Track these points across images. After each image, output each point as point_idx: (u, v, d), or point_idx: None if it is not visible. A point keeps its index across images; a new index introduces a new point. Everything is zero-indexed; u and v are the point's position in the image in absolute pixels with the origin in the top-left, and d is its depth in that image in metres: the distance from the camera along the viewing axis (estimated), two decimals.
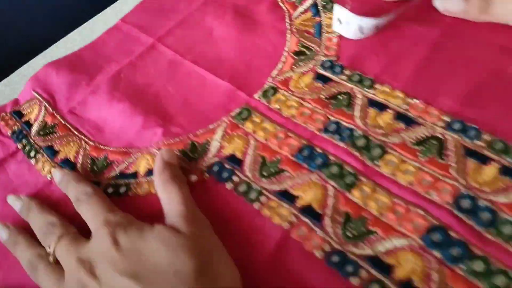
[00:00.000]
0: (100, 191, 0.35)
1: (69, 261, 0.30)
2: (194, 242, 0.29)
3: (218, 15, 0.49)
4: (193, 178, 0.36)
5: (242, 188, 0.35)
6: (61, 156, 0.41)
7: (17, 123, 0.45)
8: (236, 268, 0.30)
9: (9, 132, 0.44)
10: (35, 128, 0.44)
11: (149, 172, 0.37)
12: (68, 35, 0.54)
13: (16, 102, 0.48)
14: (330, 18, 0.45)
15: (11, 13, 0.65)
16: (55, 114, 0.45)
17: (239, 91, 0.41)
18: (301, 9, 0.47)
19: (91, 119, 0.44)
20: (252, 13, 0.48)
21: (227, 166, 0.36)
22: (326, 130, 0.36)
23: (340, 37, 0.43)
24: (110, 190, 0.38)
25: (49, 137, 0.43)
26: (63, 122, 0.44)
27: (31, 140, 0.43)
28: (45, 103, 0.46)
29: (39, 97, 0.47)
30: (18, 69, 0.52)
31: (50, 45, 0.54)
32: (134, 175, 0.38)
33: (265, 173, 0.35)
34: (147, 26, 0.51)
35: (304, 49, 0.43)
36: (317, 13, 0.46)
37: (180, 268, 0.27)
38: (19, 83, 0.50)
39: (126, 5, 0.55)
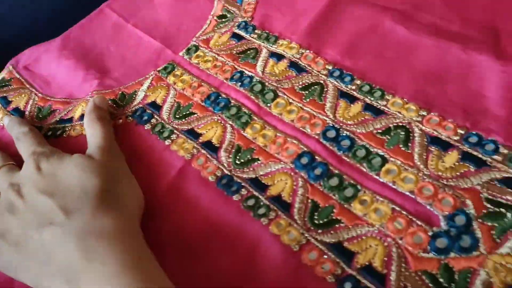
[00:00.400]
0: (35, 130, 0.40)
1: (3, 185, 0.35)
2: (103, 166, 0.34)
3: None
4: (119, 121, 0.41)
5: (158, 128, 0.39)
6: (13, 105, 0.46)
7: None
8: (141, 191, 0.35)
9: None
10: None
11: (83, 117, 0.42)
12: None
13: None
14: None
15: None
16: (13, 70, 0.50)
17: (167, 49, 0.46)
18: None
19: (42, 74, 0.49)
20: None
21: (148, 111, 0.41)
22: (232, 78, 0.41)
23: (257, 1, 0.47)
24: (49, 133, 0.43)
25: (4, 89, 0.48)
26: (17, 76, 0.49)
27: None
28: (11, 66, 0.51)
29: (10, 66, 0.51)
30: None
31: None
32: (70, 120, 0.43)
33: (177, 116, 0.40)
34: None
35: (226, 13, 0.48)
36: None
37: (87, 185, 0.32)
38: None
39: None
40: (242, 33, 0.45)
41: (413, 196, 0.30)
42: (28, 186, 0.33)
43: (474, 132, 0.32)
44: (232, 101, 0.39)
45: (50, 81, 0.48)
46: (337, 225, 0.30)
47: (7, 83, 0.48)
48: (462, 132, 0.32)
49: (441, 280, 0.27)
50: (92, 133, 0.38)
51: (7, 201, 0.34)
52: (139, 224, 0.33)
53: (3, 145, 0.43)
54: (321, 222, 0.31)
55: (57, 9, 0.66)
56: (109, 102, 0.43)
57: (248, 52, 0.43)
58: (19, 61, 0.51)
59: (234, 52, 0.43)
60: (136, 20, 0.51)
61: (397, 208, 0.30)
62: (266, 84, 0.39)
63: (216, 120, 0.38)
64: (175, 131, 0.39)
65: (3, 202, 0.34)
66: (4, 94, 0.47)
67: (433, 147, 0.32)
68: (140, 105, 0.42)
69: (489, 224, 0.28)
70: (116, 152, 0.37)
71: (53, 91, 0.47)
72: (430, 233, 0.28)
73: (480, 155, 0.31)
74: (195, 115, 0.39)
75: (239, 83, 0.40)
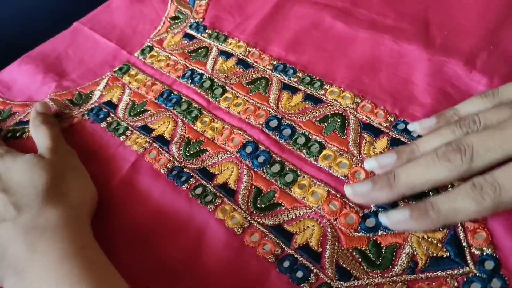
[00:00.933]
0: None
1: None
2: (52, 164, 0.35)
3: None
4: (75, 120, 0.42)
5: (113, 125, 0.40)
6: None
7: None
8: (93, 185, 0.35)
9: None
10: None
11: None
12: None
13: None
14: None
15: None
16: None
17: (123, 50, 0.47)
18: None
19: (4, 80, 0.49)
20: None
21: (104, 109, 0.42)
22: (183, 76, 0.42)
23: (208, 3, 0.48)
24: (9, 134, 0.43)
25: None
26: None
27: None
28: None
29: None
30: None
31: None
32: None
33: (132, 113, 0.41)
34: None
35: (179, 14, 0.49)
36: None
37: (36, 182, 0.33)
38: None
39: None
40: (193, 33, 0.46)
41: (347, 180, 0.31)
42: None
43: (402, 120, 0.33)
44: (183, 97, 0.40)
45: (12, 86, 0.48)
46: (278, 208, 0.31)
47: None
48: (392, 119, 0.33)
49: (369, 255, 0.28)
50: (39, 136, 0.38)
51: None
52: (91, 217, 0.33)
53: None
54: (263, 206, 0.32)
55: (57, 9, 0.66)
56: (66, 102, 0.43)
57: (199, 50, 0.44)
58: None
59: (186, 51, 0.44)
60: (93, 24, 0.51)
61: (332, 191, 0.31)
62: (215, 80, 0.40)
63: (168, 115, 0.39)
64: (129, 127, 0.40)
65: None
66: None
67: (365, 133, 0.33)
68: (96, 104, 0.42)
69: (413, 202, 0.29)
70: (65, 150, 0.38)
71: (14, 95, 0.47)
72: (361, 214, 0.29)
73: (406, 140, 0.32)
74: (149, 111, 0.40)
75: (190, 80, 0.41)
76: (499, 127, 0.26)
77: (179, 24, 0.48)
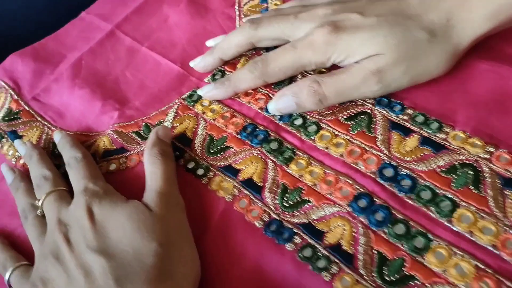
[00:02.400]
0: (89, 156, 0.35)
1: (51, 219, 0.30)
2: (160, 223, 0.28)
3: (174, 3, 0.48)
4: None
5: (191, 165, 0.34)
6: (24, 140, 0.40)
7: None
8: (198, 258, 0.29)
9: None
10: (0, 115, 0.43)
11: (106, 154, 0.37)
12: None
13: None
14: (276, 4, 0.44)
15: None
16: (20, 101, 0.44)
17: (190, 75, 0.41)
18: None
19: (54, 105, 0.43)
20: (204, 1, 0.47)
21: (178, 144, 0.36)
22: (267, 108, 0.35)
23: None
24: None
25: (13, 122, 0.42)
26: (27, 108, 0.43)
27: None
28: (11, 91, 0.44)
29: (5, 86, 0.45)
30: None
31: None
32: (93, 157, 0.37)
33: (212, 151, 0.35)
34: (107, 14, 0.49)
35: None
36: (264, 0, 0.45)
37: (141, 250, 0.27)
38: None
39: None
40: None
41: (497, 252, 0.25)
42: (76, 233, 0.28)
43: None
44: (271, 133, 0.34)
45: (64, 112, 0.42)
46: (411, 283, 0.26)
47: (15, 116, 0.42)
48: None
49: None
50: (152, 171, 0.32)
51: (54, 243, 0.29)
52: None
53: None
54: (392, 279, 0.26)
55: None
56: (132, 134, 0.37)
57: None
58: (21, 86, 0.45)
59: None
60: (151, 43, 0.45)
61: (481, 266, 0.25)
62: (307, 117, 0.34)
63: (255, 154, 0.33)
64: (211, 168, 0.33)
65: (49, 242, 0.29)
66: (14, 128, 0.41)
67: (508, 190, 0.27)
68: None
69: None
70: (176, 201, 0.31)
71: (68, 124, 0.41)
72: None
73: None
74: (231, 149, 0.34)
75: (278, 117, 0.35)
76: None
77: None
